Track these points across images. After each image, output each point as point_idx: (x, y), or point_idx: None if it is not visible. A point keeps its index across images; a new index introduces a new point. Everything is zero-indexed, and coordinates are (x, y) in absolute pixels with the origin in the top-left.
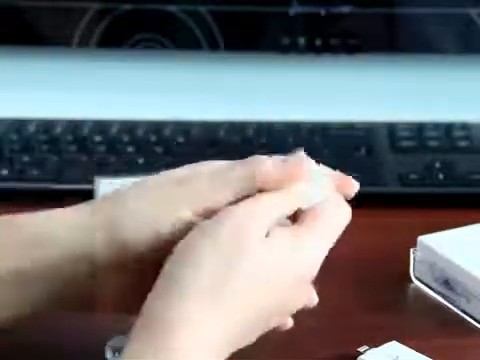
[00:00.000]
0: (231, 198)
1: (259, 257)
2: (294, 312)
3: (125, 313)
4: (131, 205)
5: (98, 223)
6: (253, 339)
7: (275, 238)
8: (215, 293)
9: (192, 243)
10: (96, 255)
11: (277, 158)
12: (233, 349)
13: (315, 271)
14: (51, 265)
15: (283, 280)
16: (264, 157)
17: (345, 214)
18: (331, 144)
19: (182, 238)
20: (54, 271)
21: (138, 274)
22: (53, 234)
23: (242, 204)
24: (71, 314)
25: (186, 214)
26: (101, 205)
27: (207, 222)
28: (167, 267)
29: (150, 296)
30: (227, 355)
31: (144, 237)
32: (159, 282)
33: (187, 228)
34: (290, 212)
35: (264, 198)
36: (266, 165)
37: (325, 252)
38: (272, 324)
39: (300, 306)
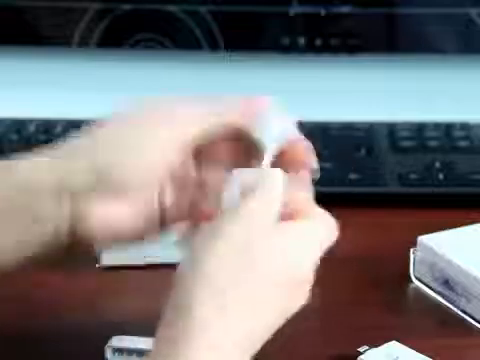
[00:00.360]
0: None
1: (274, 243)
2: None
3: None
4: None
5: (72, 159)
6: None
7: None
8: (232, 294)
9: (201, 249)
10: (75, 187)
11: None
12: (258, 344)
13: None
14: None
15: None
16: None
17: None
18: (331, 144)
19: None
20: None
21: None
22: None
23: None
24: (71, 314)
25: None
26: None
27: (214, 224)
28: (180, 272)
29: (166, 307)
30: (253, 351)
31: (121, 160)
32: (173, 293)
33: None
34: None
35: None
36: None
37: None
38: (289, 312)
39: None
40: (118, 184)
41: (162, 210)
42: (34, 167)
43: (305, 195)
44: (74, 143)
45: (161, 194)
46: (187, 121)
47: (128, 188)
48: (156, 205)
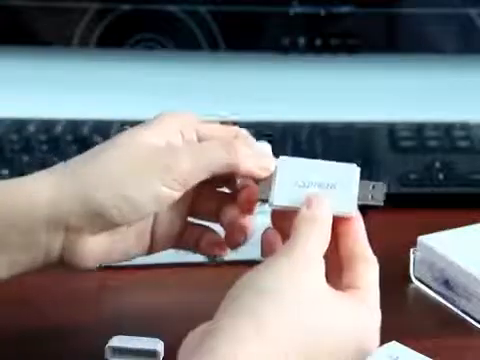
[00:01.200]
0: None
1: (327, 309)
2: None
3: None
4: (103, 171)
5: (70, 194)
6: None
7: (340, 295)
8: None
9: (246, 301)
10: (70, 222)
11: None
12: None
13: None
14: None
15: (338, 335)
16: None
17: (376, 269)
18: (331, 144)
19: (154, 208)
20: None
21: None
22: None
23: (288, 250)
24: (71, 314)
25: (157, 187)
26: (72, 174)
27: (259, 272)
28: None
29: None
30: None
31: (116, 204)
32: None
33: (160, 199)
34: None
35: (309, 237)
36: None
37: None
38: None
39: None
40: (110, 224)
41: (152, 238)
42: (33, 192)
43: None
44: (73, 169)
45: (150, 221)
46: (184, 172)
47: (120, 226)
48: (147, 235)
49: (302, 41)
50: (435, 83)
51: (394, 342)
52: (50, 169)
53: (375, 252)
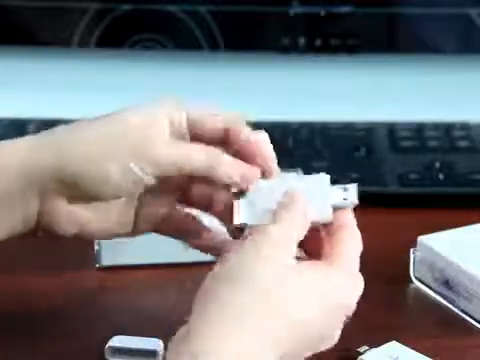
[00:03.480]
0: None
1: (292, 284)
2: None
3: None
4: (78, 148)
5: (45, 160)
6: None
7: (306, 268)
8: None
9: (214, 287)
10: (44, 188)
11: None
12: None
13: (344, 312)
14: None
15: (311, 310)
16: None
17: (359, 242)
18: (331, 144)
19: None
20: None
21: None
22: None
23: (256, 235)
24: (71, 314)
25: (128, 166)
26: (48, 146)
27: (228, 260)
28: (195, 309)
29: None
30: None
31: (89, 175)
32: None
33: (129, 179)
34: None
35: (280, 225)
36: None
37: (354, 292)
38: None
39: (327, 345)
40: (84, 194)
41: (135, 220)
42: (10, 154)
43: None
44: (53, 136)
45: (134, 202)
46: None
47: (97, 200)
48: (130, 217)
49: (302, 41)
50: (435, 83)
51: (394, 342)
52: (34, 135)
53: (375, 252)
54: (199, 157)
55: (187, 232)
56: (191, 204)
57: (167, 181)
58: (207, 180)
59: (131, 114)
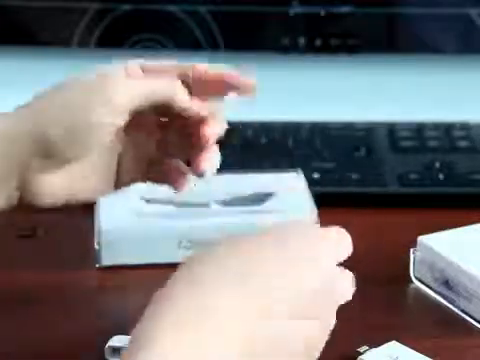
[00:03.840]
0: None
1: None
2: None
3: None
4: (53, 111)
5: (25, 131)
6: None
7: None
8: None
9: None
10: (24, 159)
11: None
12: None
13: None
14: None
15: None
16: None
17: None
18: (331, 144)
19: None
20: None
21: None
22: None
23: None
24: (71, 314)
25: (99, 115)
26: (25, 113)
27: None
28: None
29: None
30: None
31: (66, 138)
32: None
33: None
34: None
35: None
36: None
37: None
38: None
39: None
40: (63, 159)
41: (118, 173)
42: None
43: None
44: (32, 107)
45: (114, 156)
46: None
47: (74, 162)
48: (112, 171)
49: (302, 41)
50: (435, 83)
51: (394, 342)
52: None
53: (375, 252)
54: (160, 84)
55: (176, 180)
56: (171, 156)
57: (139, 124)
58: (170, 113)
59: (91, 75)
